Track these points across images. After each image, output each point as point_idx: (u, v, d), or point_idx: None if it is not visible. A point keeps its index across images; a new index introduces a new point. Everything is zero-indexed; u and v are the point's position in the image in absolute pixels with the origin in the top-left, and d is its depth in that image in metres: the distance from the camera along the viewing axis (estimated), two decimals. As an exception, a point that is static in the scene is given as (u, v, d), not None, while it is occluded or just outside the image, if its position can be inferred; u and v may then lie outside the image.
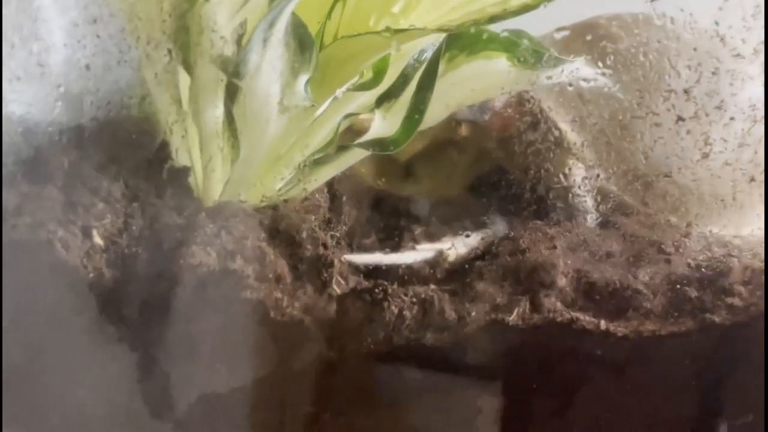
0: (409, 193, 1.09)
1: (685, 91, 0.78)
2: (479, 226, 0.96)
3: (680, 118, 0.79)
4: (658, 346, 0.69)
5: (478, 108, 0.98)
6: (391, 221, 1.00)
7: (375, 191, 1.08)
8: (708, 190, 0.86)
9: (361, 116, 0.86)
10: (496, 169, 1.04)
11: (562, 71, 0.80)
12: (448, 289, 0.78)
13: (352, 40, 0.79)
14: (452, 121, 1.03)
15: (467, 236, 0.92)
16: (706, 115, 0.80)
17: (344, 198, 1.01)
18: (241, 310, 0.71)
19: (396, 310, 0.72)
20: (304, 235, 0.77)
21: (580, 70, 0.82)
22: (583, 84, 0.79)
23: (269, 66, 0.73)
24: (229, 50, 0.75)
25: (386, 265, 0.85)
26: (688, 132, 0.82)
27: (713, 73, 0.78)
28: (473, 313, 0.73)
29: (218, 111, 0.80)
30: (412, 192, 1.09)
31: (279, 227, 0.77)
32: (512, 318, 0.71)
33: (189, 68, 0.77)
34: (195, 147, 0.83)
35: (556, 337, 0.70)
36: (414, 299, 0.73)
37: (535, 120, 0.94)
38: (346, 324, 0.73)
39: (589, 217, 0.91)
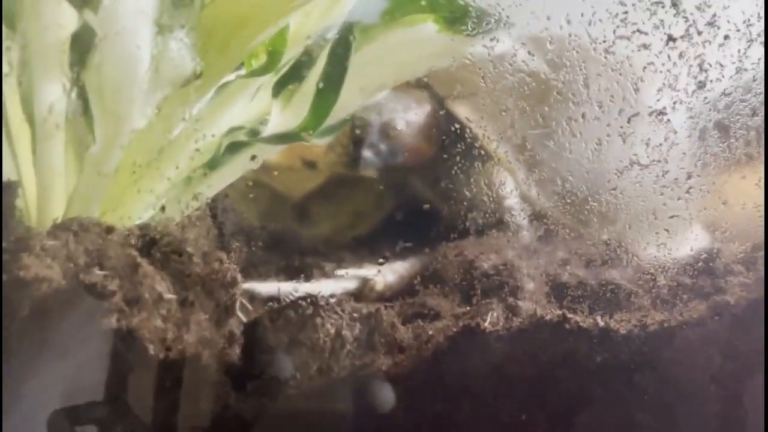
0: (308, 236, 0.90)
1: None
2: (403, 256, 0.78)
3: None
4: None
5: (388, 153, 0.83)
6: (293, 260, 0.80)
7: (268, 230, 0.88)
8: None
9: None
10: (410, 203, 0.87)
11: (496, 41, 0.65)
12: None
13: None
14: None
15: (383, 263, 0.74)
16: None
17: (231, 233, 0.80)
18: (102, 344, 0.47)
19: (333, 331, 0.51)
20: (191, 249, 0.55)
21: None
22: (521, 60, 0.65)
23: (133, 8, 0.53)
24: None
25: (299, 298, 0.64)
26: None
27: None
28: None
29: (58, 91, 0.58)
30: (311, 235, 0.91)
31: (155, 239, 0.54)
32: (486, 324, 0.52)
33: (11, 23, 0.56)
34: (22, 148, 0.60)
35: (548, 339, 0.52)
36: (354, 315, 0.52)
37: (456, 136, 0.80)
38: (262, 357, 0.50)
39: (524, 230, 0.76)
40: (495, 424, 0.53)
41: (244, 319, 0.54)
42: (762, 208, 0.57)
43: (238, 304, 0.54)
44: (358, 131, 0.79)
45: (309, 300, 0.51)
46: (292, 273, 0.76)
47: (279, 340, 0.49)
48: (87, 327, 0.46)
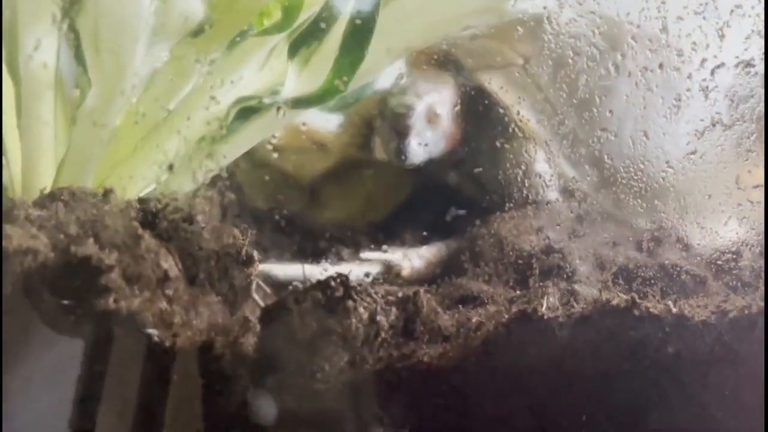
0: (319, 220, 0.82)
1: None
2: (430, 239, 0.71)
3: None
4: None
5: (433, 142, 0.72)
6: (307, 245, 0.73)
7: (278, 213, 0.81)
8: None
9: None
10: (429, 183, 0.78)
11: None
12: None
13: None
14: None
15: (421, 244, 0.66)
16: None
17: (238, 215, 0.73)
18: (99, 330, 0.40)
19: (366, 316, 0.43)
20: (201, 220, 0.47)
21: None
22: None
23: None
24: None
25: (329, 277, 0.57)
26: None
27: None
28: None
29: (49, 44, 0.50)
30: (321, 219, 0.83)
31: (164, 208, 0.47)
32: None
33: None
34: (6, 110, 0.52)
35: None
36: (390, 300, 0.45)
37: (485, 108, 0.72)
38: (284, 346, 0.43)
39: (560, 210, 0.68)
40: (552, 425, 0.45)
41: (262, 303, 0.47)
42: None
43: (254, 285, 0.47)
44: (400, 119, 0.67)
45: (339, 280, 0.43)
46: (307, 257, 0.69)
47: (305, 326, 0.42)
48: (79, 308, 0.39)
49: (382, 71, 0.63)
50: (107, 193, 0.44)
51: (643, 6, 0.45)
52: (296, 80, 0.60)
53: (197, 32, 0.50)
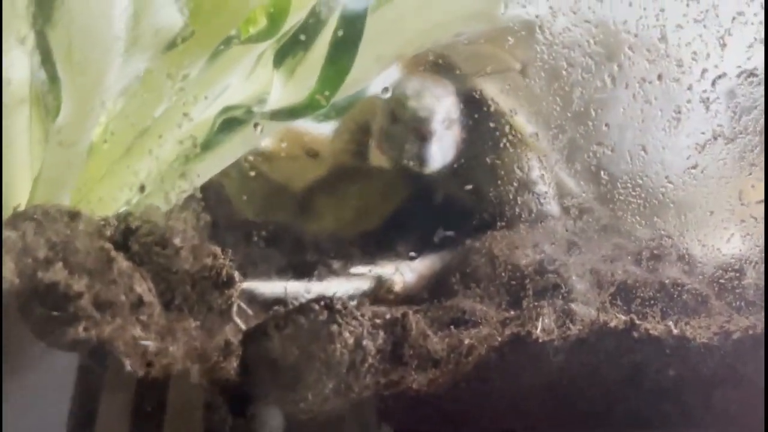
0: (311, 231, 0.80)
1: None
2: (423, 252, 0.69)
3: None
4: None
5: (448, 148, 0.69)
6: (296, 258, 0.71)
7: (268, 224, 0.78)
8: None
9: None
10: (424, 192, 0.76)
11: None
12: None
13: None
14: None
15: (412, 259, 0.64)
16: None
17: (226, 228, 0.70)
18: (65, 359, 0.37)
19: (352, 341, 0.41)
20: (179, 241, 0.45)
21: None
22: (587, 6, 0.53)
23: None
24: None
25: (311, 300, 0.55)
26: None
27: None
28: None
29: (19, 58, 0.48)
30: (314, 230, 0.81)
31: (137, 230, 0.45)
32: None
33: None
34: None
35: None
36: (377, 323, 0.43)
37: (482, 115, 0.69)
38: (265, 374, 0.41)
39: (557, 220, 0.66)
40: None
41: (243, 327, 0.45)
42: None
43: (235, 307, 0.45)
44: (423, 122, 0.64)
45: (323, 303, 0.41)
46: (296, 272, 0.66)
47: (287, 352, 0.40)
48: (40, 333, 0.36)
49: (373, 79, 0.61)
50: (75, 215, 0.42)
51: (641, 14, 0.43)
52: (282, 90, 0.58)
53: (173, 45, 0.48)
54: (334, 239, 0.76)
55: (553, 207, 0.64)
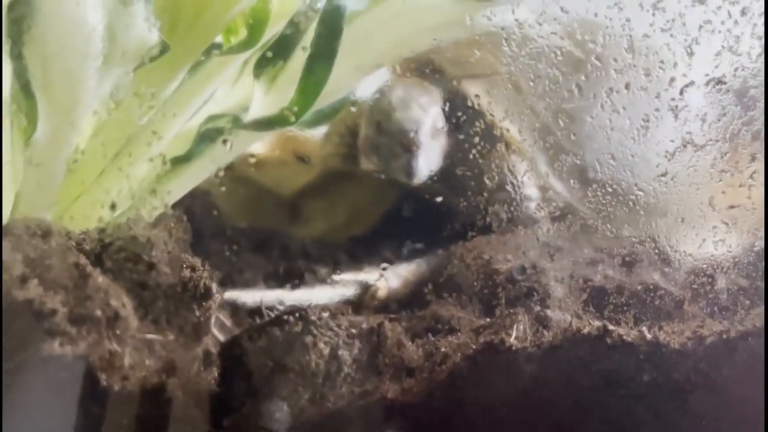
0: (300, 236, 0.81)
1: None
2: (409, 257, 0.69)
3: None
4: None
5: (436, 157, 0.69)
6: (283, 264, 0.71)
7: (255, 230, 0.79)
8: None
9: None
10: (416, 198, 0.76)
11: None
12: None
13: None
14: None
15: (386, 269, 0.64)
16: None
17: (210, 235, 0.71)
18: (42, 375, 0.38)
19: (327, 352, 0.42)
20: (156, 254, 0.45)
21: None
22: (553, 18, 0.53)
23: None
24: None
25: (289, 307, 0.56)
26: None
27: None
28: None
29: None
30: (304, 235, 0.81)
31: (114, 244, 0.45)
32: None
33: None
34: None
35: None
36: (353, 333, 0.43)
37: (469, 116, 0.69)
38: (240, 387, 0.41)
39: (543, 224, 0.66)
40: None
41: (221, 339, 0.45)
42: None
43: (213, 320, 0.45)
44: (408, 135, 0.63)
45: (298, 315, 0.42)
46: (282, 278, 0.67)
47: (261, 364, 0.40)
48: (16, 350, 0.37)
49: (354, 86, 0.62)
50: (49, 231, 0.42)
51: (607, 24, 0.44)
52: (263, 100, 0.59)
53: (151, 57, 0.49)
54: (323, 244, 0.77)
55: (536, 211, 0.64)
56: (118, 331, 0.40)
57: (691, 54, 0.43)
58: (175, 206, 0.55)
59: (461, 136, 0.69)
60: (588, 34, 0.43)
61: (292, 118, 0.51)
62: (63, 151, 0.45)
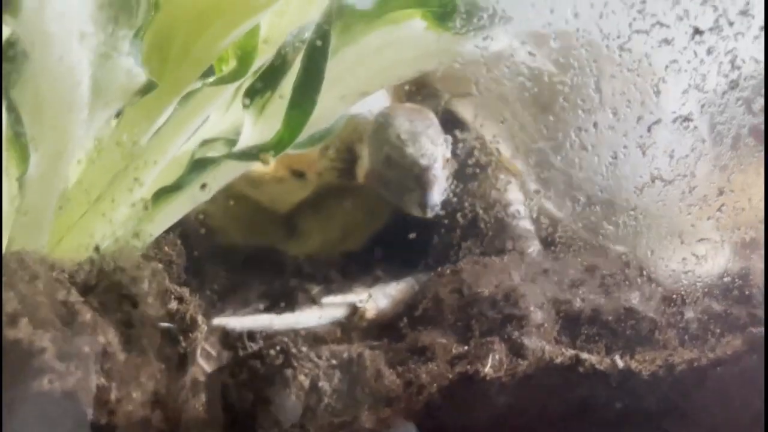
0: (296, 253, 0.82)
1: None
2: (398, 275, 0.70)
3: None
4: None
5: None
6: (276, 283, 0.73)
7: (250, 249, 0.81)
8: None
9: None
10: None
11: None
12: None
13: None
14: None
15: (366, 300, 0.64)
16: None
17: (205, 256, 0.73)
18: (35, 410, 0.40)
19: (307, 384, 0.43)
20: (146, 285, 0.47)
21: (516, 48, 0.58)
22: (520, 61, 0.55)
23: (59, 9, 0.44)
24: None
25: (277, 331, 0.57)
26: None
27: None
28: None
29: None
30: (299, 251, 0.83)
31: (103, 278, 0.47)
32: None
33: None
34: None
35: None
36: (333, 363, 0.45)
37: (461, 134, 0.70)
38: (223, 419, 0.43)
39: (532, 243, 0.66)
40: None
41: (208, 369, 0.47)
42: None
43: (199, 350, 0.47)
44: (424, 171, 0.62)
45: (278, 348, 0.43)
46: (273, 299, 0.69)
47: (242, 397, 0.42)
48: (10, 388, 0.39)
49: (339, 115, 0.63)
50: (33, 277, 0.44)
51: (575, 65, 0.45)
52: (252, 129, 0.60)
53: (141, 93, 0.50)
54: (315, 262, 0.78)
55: (530, 232, 0.65)
56: (107, 365, 0.42)
57: (657, 93, 0.45)
58: (169, 230, 0.57)
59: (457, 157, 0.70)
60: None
61: (266, 160, 0.53)
62: (50, 198, 0.46)
